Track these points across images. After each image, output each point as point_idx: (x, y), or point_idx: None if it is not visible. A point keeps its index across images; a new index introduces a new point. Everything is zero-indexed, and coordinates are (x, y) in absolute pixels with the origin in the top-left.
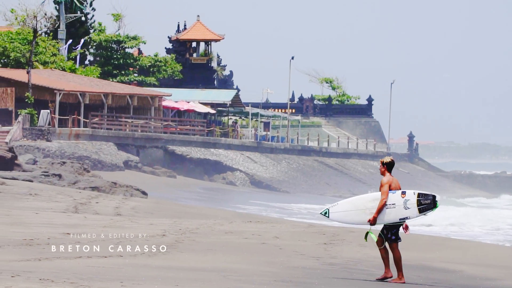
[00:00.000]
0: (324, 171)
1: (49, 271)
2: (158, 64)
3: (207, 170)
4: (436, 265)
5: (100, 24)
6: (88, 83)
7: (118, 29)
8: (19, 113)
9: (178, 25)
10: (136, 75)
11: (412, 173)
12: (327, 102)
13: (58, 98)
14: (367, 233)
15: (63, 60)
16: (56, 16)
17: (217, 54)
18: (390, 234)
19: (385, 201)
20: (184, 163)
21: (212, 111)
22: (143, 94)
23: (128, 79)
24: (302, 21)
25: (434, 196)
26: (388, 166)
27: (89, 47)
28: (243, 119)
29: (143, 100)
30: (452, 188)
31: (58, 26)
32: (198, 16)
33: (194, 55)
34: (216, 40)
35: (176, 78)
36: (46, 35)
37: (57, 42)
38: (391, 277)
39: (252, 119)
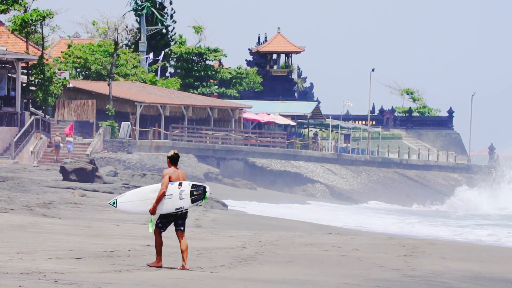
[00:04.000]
0: (404, 183)
1: (129, 283)
2: (239, 76)
3: (287, 182)
4: None
5: (181, 37)
6: (168, 95)
7: (199, 41)
8: (100, 125)
9: (259, 37)
10: (216, 87)
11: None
12: (407, 114)
13: (138, 110)
14: (151, 222)
15: (144, 72)
16: (137, 29)
17: (298, 66)
18: (159, 221)
19: (164, 192)
20: (264, 175)
21: (293, 123)
22: (224, 106)
23: (209, 91)
24: (382, 33)
25: (204, 187)
26: (171, 160)
27: (170, 59)
28: (324, 131)
29: (224, 112)
30: None
31: (139, 39)
32: (279, 28)
33: (275, 67)
34: (296, 52)
35: (256, 90)
36: (127, 48)
37: (138, 54)
38: (161, 266)
39: (332, 131)
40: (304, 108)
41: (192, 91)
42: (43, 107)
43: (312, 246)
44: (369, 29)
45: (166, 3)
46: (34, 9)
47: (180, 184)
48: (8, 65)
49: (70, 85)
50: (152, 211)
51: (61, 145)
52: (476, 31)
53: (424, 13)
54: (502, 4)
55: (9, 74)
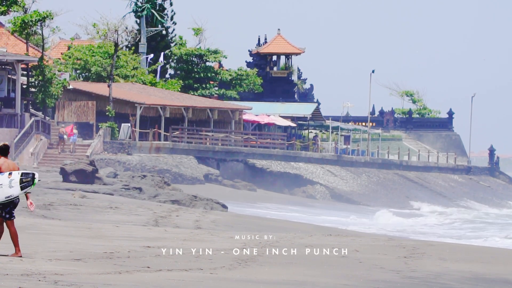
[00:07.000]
0: (404, 185)
1: (129, 284)
2: (239, 78)
3: (287, 184)
4: None
5: (181, 38)
6: (168, 96)
7: (199, 43)
8: (100, 126)
9: (259, 39)
10: (216, 88)
11: (493, 186)
12: (407, 116)
13: (138, 112)
14: None
15: (144, 73)
16: (137, 30)
17: (298, 68)
18: (4, 213)
19: None
20: (264, 177)
21: (293, 125)
22: (224, 108)
23: (209, 92)
24: (382, 34)
25: (33, 174)
26: (1, 151)
27: (170, 60)
28: (324, 133)
29: (224, 113)
30: None
31: (139, 40)
32: (279, 29)
33: (275, 68)
34: (296, 54)
35: (256, 91)
36: (127, 49)
37: (138, 56)
38: (8, 255)
39: (332, 132)
40: (304, 109)
41: (192, 92)
42: (43, 108)
43: (312, 247)
44: (369, 30)
45: (166, 5)
46: (34, 11)
47: (10, 174)
48: (8, 67)
49: (70, 87)
50: None
51: (65, 137)
52: (475, 31)
53: (424, 14)
54: (500, 4)
55: (9, 76)
